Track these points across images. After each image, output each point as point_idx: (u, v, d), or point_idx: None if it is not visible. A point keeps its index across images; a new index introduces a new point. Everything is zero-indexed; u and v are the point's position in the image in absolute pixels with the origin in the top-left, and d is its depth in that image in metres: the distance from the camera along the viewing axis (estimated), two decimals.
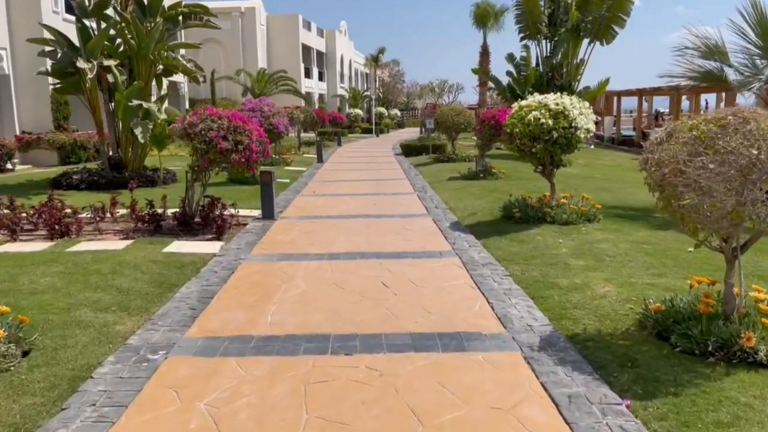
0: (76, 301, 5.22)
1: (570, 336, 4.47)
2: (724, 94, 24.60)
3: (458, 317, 4.85)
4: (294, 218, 9.67)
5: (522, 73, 20.25)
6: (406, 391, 3.59)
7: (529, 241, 7.46)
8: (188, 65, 15.08)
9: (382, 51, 58.64)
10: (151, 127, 12.28)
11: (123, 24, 13.51)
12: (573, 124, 8.16)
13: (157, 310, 5.16)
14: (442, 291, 5.57)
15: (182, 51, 23.26)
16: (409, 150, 23.81)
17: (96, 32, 13.63)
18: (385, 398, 3.51)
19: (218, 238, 8.01)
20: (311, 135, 31.74)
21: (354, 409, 3.38)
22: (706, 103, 37.74)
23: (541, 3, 19.50)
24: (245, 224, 9.07)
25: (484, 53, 35.82)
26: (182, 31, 24.48)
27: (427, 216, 9.70)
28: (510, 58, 20.39)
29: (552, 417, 3.30)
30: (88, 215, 8.85)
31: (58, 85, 14.27)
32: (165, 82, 15.63)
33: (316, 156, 21.56)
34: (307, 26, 48.47)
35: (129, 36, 13.51)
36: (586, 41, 19.54)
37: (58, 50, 13.43)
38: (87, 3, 13.77)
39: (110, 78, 13.53)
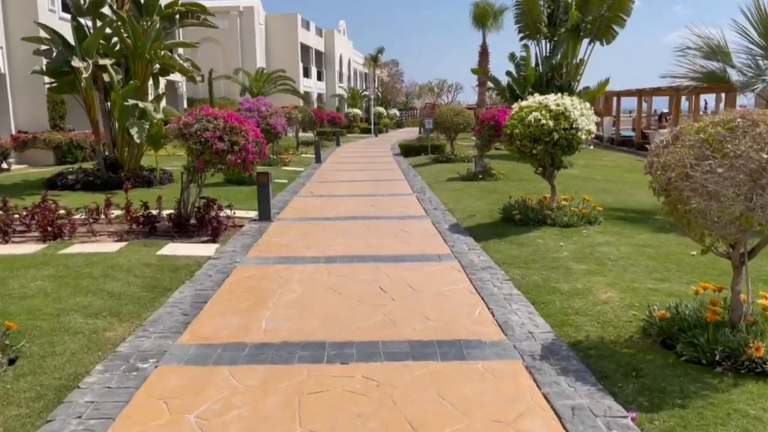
0: (66, 306, 5.09)
1: (572, 343, 4.35)
2: (723, 95, 24.52)
3: (457, 324, 4.73)
4: (291, 220, 9.55)
5: (521, 73, 20.12)
6: (403, 403, 3.47)
7: (530, 244, 7.34)
8: (185, 64, 14.94)
9: (381, 51, 58.61)
10: (148, 126, 12.15)
11: (119, 22, 13.37)
12: (574, 126, 8.04)
13: (148, 316, 5.03)
14: (440, 296, 5.45)
15: (180, 50, 23.16)
16: (407, 150, 23.69)
17: (92, 31, 13.48)
18: (382, 410, 3.39)
19: (214, 241, 7.88)
20: (309, 135, 31.60)
21: (350, 422, 3.26)
22: (705, 103, 37.67)
23: (541, 2, 19.37)
24: (241, 226, 8.94)
25: (484, 53, 35.65)
26: (180, 30, 24.34)
27: (425, 218, 9.58)
28: (512, 57, 20.28)
29: (555, 431, 3.18)
30: (82, 216, 8.72)
31: (53, 84, 14.11)
32: (162, 81, 15.54)
33: (314, 156, 21.43)
34: (306, 26, 48.31)
35: (125, 35, 13.37)
36: (585, 41, 19.42)
37: (53, 49, 13.28)
38: (82, 1, 13.63)
39: (106, 77, 13.40)
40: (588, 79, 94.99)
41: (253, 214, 9.71)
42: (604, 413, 3.34)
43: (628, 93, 29.69)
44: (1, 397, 3.56)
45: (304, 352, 4.19)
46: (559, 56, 19.66)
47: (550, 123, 7.99)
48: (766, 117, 3.69)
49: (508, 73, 20.73)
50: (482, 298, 5.36)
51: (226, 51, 39.91)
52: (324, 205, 11.19)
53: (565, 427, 3.21)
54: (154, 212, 8.47)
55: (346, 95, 55.09)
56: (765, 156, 3.50)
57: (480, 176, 13.99)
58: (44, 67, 13.52)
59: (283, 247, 7.60)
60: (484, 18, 34.07)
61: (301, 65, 45.46)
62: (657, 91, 27.28)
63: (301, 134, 28.65)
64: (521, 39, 20.06)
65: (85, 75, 12.52)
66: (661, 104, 35.94)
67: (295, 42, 45.40)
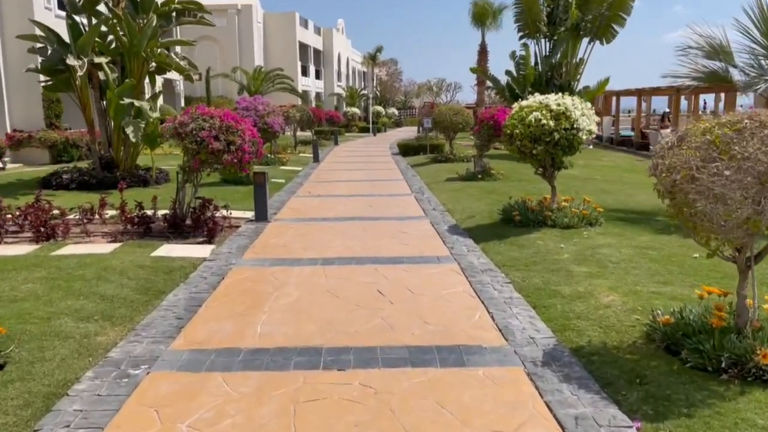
0: (57, 309, 4.98)
1: (574, 349, 4.25)
2: (723, 95, 24.44)
3: (457, 328, 4.63)
4: (288, 220, 9.44)
5: (521, 73, 20.02)
6: (402, 411, 3.37)
7: (530, 246, 7.25)
8: (182, 63, 14.81)
9: (379, 49, 58.48)
10: (143, 125, 12.02)
11: (115, 20, 13.23)
12: (575, 126, 7.94)
13: (141, 320, 4.92)
14: (440, 299, 5.35)
15: (177, 48, 23.03)
16: (406, 149, 23.58)
17: (87, 28, 13.35)
18: (380, 419, 3.29)
19: (209, 242, 7.78)
20: (307, 134, 31.47)
21: None
22: (705, 103, 37.62)
23: (540, 1, 19.26)
24: (238, 226, 8.84)
25: (483, 52, 35.55)
26: (177, 28, 24.20)
27: (424, 218, 9.48)
28: (513, 56, 20.17)
29: None
30: (76, 217, 8.60)
31: (48, 83, 13.97)
32: (159, 80, 15.39)
33: (312, 155, 21.32)
34: (304, 24, 48.15)
35: (121, 32, 13.23)
36: (585, 40, 19.32)
37: (48, 47, 13.15)
38: None
39: (101, 75, 13.26)
40: (587, 78, 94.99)
41: (250, 214, 9.60)
42: (608, 423, 3.24)
43: (628, 93, 29.61)
44: None
45: (300, 358, 4.09)
46: (558, 55, 19.55)
47: (551, 123, 7.89)
48: None
49: (508, 73, 20.63)
50: (482, 302, 5.26)
51: (223, 49, 39.75)
52: (322, 205, 11.09)
53: None
54: (149, 212, 8.36)
55: (345, 94, 54.93)
56: None
57: (479, 176, 13.90)
58: (39, 65, 13.37)
59: (280, 248, 7.49)
60: (483, 17, 33.95)
61: (299, 64, 45.29)
62: (656, 91, 27.20)
63: (299, 133, 28.53)
64: (521, 38, 19.95)
65: (80, 73, 12.39)
66: (660, 104, 35.91)
67: (294, 40, 45.24)
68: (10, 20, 18.32)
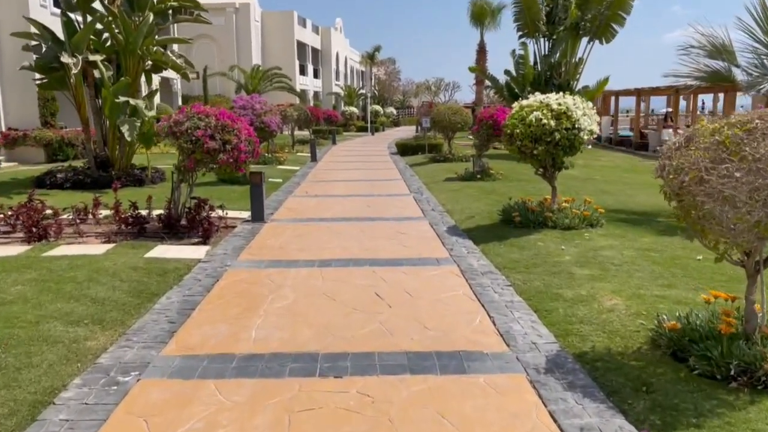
0: (47, 313, 4.85)
1: (578, 355, 4.14)
2: (722, 95, 24.37)
3: (457, 333, 4.51)
4: (285, 221, 9.31)
5: (520, 72, 19.93)
6: (401, 422, 3.25)
7: (530, 248, 7.13)
8: (178, 61, 14.66)
9: (377, 49, 58.38)
10: (139, 124, 11.88)
11: (110, 18, 13.08)
12: (576, 125, 7.82)
13: (133, 324, 4.79)
14: (439, 303, 5.23)
15: (175, 47, 22.82)
16: (404, 149, 23.46)
17: (82, 26, 13.19)
18: (378, 430, 3.17)
19: (204, 242, 7.64)
20: (305, 133, 31.33)
21: None
22: (703, 103, 37.58)
23: (540, 0, 19.17)
24: (234, 227, 8.70)
25: (481, 51, 35.47)
26: (175, 26, 24.04)
27: (423, 219, 9.36)
28: (513, 54, 20.08)
29: None
30: (69, 217, 8.46)
31: (43, 81, 13.81)
32: (156, 78, 15.24)
33: (309, 155, 21.18)
34: (303, 23, 47.98)
35: (116, 30, 13.09)
36: (585, 40, 19.23)
37: (43, 44, 13.00)
38: None
39: (96, 73, 13.12)
40: (586, 78, 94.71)
41: (246, 214, 9.47)
42: None
43: (627, 92, 29.53)
44: None
45: (296, 365, 3.96)
46: (557, 55, 19.47)
47: (552, 123, 7.77)
48: None
49: (507, 72, 20.54)
50: (482, 306, 5.14)
51: (221, 48, 39.58)
52: (319, 205, 10.96)
53: None
54: (144, 213, 8.23)
55: (343, 93, 54.78)
56: None
57: (478, 176, 13.78)
58: (33, 63, 13.21)
59: (276, 249, 7.36)
60: (482, 16, 33.86)
61: (297, 63, 45.13)
62: (656, 91, 27.12)
63: (296, 132, 28.39)
64: (520, 37, 19.87)
65: (74, 71, 12.24)
66: (659, 104, 35.83)
67: (292, 39, 45.08)
68: (5, 18, 18.14)
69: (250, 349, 4.21)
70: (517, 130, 8.00)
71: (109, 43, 13.66)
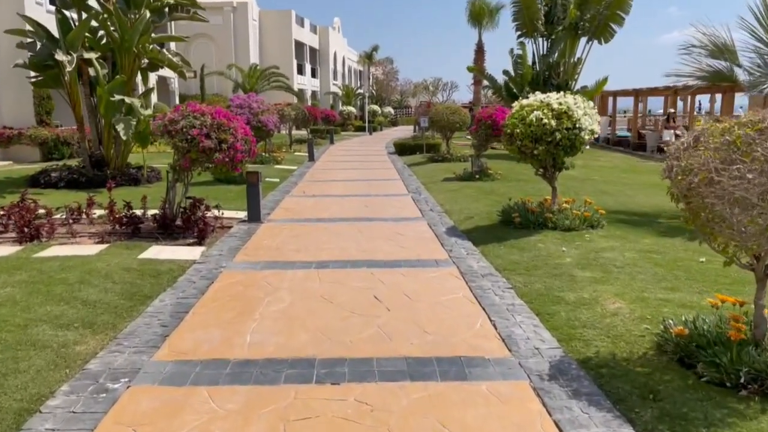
0: (36, 316, 4.72)
1: (582, 361, 4.02)
2: (719, 96, 24.31)
3: (458, 338, 4.39)
4: (281, 221, 9.18)
5: (518, 72, 19.83)
6: None
7: (531, 249, 7.02)
8: (174, 59, 14.51)
9: (375, 48, 58.09)
10: (134, 123, 11.72)
11: (105, 15, 12.92)
12: (577, 125, 7.71)
13: (124, 327, 4.66)
14: (439, 306, 5.11)
15: (172, 45, 22.67)
16: (402, 149, 23.34)
17: (77, 23, 13.03)
18: None
19: (200, 243, 7.51)
20: (303, 132, 31.19)
21: None
22: (700, 104, 37.53)
23: (538, 0, 19.07)
24: (230, 227, 8.58)
25: (479, 51, 35.36)
26: (172, 24, 23.86)
27: (421, 220, 9.24)
28: (511, 53, 19.98)
29: None
30: (62, 216, 8.31)
31: (38, 79, 13.65)
32: (154, 77, 15.11)
33: (307, 154, 21.04)
34: (300, 22, 47.81)
35: (112, 28, 12.93)
36: (583, 40, 19.13)
37: (37, 42, 12.83)
38: None
39: (92, 71, 12.96)
40: (585, 78, 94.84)
41: (243, 214, 9.34)
42: None
43: (625, 93, 29.45)
44: None
45: (292, 371, 3.84)
46: (556, 55, 19.37)
47: (553, 122, 7.66)
48: None
49: (505, 72, 20.43)
50: (483, 309, 5.02)
51: (219, 47, 39.39)
52: (317, 205, 10.83)
53: None
54: (139, 212, 8.09)
55: (341, 93, 54.62)
56: None
57: (477, 176, 13.67)
58: (27, 61, 13.05)
59: (273, 250, 7.23)
60: (480, 16, 33.76)
61: (295, 62, 44.97)
62: (654, 91, 27.05)
63: (294, 132, 28.24)
64: (518, 37, 19.75)
65: (69, 69, 12.09)
66: (655, 105, 35.77)
67: (290, 39, 44.91)
68: (1, 15, 17.95)
69: (244, 355, 4.08)
70: (518, 130, 7.88)
71: (104, 41, 13.51)
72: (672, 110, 24.96)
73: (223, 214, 8.81)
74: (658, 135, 23.78)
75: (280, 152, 20.79)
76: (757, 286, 3.83)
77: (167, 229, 7.88)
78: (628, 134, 28.97)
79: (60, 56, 11.90)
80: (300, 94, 38.68)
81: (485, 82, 27.41)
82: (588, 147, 8.23)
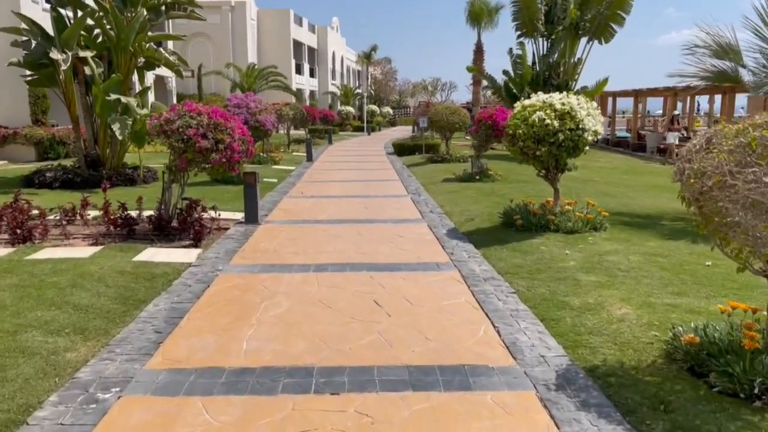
0: (25, 321, 4.58)
1: (589, 369, 3.89)
2: (718, 96, 24.24)
3: (461, 345, 4.26)
4: (279, 222, 9.04)
5: (518, 72, 19.73)
6: None
7: (533, 252, 6.89)
8: (171, 58, 14.36)
9: (374, 48, 57.85)
10: (131, 122, 11.58)
11: (101, 13, 12.77)
12: (580, 126, 7.59)
13: (117, 333, 4.52)
14: (441, 312, 4.98)
15: (170, 44, 22.53)
16: (401, 149, 23.21)
17: (72, 21, 12.87)
18: None
19: (196, 245, 7.37)
20: (301, 132, 31.04)
21: None
22: (698, 105, 37.49)
23: (538, 0, 18.98)
24: (227, 229, 8.44)
25: (479, 51, 35.19)
26: (170, 22, 23.70)
27: (421, 221, 9.11)
28: (510, 52, 19.88)
29: None
30: (56, 217, 8.16)
31: (33, 77, 13.48)
32: (151, 76, 14.95)
33: (305, 154, 20.91)
34: (299, 22, 47.69)
35: (108, 26, 12.78)
36: (584, 40, 19.05)
37: (32, 40, 12.67)
38: None
39: (87, 70, 12.80)
40: (584, 79, 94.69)
41: (240, 215, 9.20)
42: None
43: (624, 93, 29.39)
44: None
45: (290, 380, 3.70)
46: (556, 55, 19.30)
47: (555, 123, 7.54)
48: None
49: (505, 72, 20.35)
50: (486, 314, 4.89)
51: (217, 46, 39.24)
52: (315, 206, 10.70)
53: None
54: (134, 213, 7.95)
55: (339, 93, 54.49)
56: None
57: (477, 177, 13.54)
58: (22, 59, 12.89)
59: (270, 253, 7.10)
60: (479, 16, 33.60)
61: (293, 62, 44.86)
62: (653, 92, 26.98)
63: (292, 132, 28.09)
64: (518, 37, 19.68)
65: (63, 67, 11.94)
66: (655, 105, 35.73)
67: (288, 38, 44.79)
68: None
69: (240, 363, 3.95)
70: (520, 131, 7.76)
71: (100, 39, 13.35)
72: (677, 112, 24.86)
73: (219, 215, 8.66)
74: (660, 136, 23.68)
75: (278, 152, 20.64)
76: None
77: (163, 231, 7.74)
78: (628, 135, 28.90)
79: (55, 55, 11.75)
80: (298, 93, 38.56)
81: (484, 83, 27.32)
82: (588, 148, 8.11)
